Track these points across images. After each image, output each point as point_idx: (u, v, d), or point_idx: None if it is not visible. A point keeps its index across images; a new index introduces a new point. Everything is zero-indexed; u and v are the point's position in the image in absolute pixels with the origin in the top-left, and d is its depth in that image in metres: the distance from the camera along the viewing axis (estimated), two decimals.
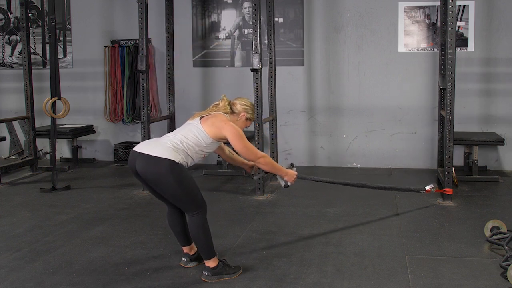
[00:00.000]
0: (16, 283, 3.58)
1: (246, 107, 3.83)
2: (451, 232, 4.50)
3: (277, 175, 3.94)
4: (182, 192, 3.48)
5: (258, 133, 5.75)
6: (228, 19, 7.49)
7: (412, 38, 7.03)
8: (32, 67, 7.24)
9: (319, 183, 6.40)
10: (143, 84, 5.98)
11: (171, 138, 3.57)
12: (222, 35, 7.52)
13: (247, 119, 3.84)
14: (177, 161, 3.44)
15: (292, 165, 4.08)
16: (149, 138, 5.97)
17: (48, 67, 6.99)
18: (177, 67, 7.33)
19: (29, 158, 7.02)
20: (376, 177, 6.32)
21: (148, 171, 3.46)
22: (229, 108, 3.79)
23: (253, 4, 5.65)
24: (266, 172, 4.03)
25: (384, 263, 3.84)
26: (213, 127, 3.61)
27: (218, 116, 3.69)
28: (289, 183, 3.92)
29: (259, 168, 3.94)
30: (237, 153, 3.90)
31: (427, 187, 5.04)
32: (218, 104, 3.82)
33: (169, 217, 3.81)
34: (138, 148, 3.55)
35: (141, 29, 5.93)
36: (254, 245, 4.23)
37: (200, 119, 3.67)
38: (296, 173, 3.94)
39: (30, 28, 7.74)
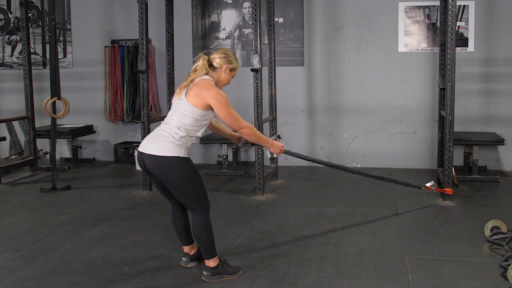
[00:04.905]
0: (16, 283, 3.58)
1: (227, 58, 3.61)
2: (451, 232, 4.50)
3: (263, 147, 3.88)
4: (189, 188, 3.47)
5: None
6: (228, 19, 7.49)
7: (412, 38, 7.03)
8: (32, 67, 7.24)
9: (319, 183, 6.44)
10: (143, 84, 5.98)
11: (170, 128, 3.48)
12: (222, 35, 7.52)
13: (231, 70, 3.64)
14: (182, 155, 3.42)
15: (279, 137, 4.06)
16: None
17: (48, 67, 6.99)
18: (177, 67, 7.31)
19: (29, 158, 7.02)
20: None
21: (157, 171, 3.47)
22: (208, 65, 3.59)
23: (253, 4, 5.65)
24: (253, 144, 3.89)
25: (384, 263, 3.84)
26: (197, 98, 3.46)
27: (200, 84, 3.51)
28: (274, 155, 3.94)
29: (247, 141, 3.82)
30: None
31: (428, 184, 5.04)
32: (197, 66, 3.59)
33: (172, 216, 3.79)
34: (142, 147, 3.53)
35: (141, 29, 5.93)
36: (254, 245, 4.23)
37: (186, 94, 3.51)
38: (281, 144, 3.83)
39: (30, 28, 7.74)
